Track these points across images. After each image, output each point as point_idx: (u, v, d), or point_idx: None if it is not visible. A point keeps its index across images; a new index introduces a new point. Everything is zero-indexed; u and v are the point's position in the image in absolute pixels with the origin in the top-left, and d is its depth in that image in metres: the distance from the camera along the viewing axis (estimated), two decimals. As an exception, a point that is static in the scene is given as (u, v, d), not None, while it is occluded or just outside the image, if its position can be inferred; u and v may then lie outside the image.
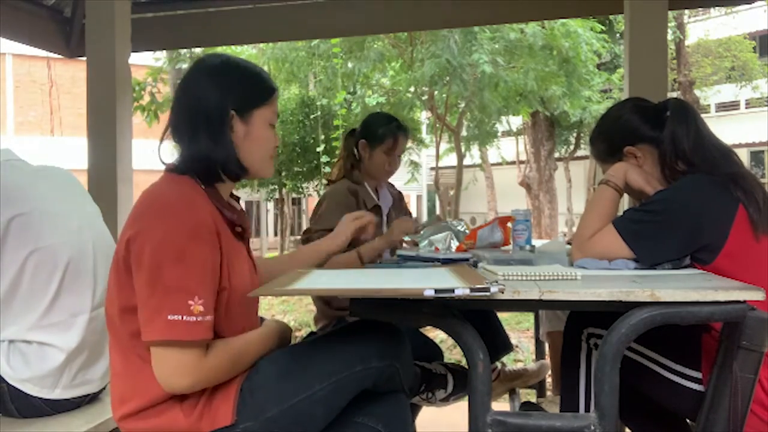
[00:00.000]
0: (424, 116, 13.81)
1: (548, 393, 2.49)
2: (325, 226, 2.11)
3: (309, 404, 1.24)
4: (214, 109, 1.31)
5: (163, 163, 1.38)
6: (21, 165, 1.69)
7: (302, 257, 1.69)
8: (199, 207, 1.27)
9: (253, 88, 1.38)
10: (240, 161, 1.35)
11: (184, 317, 1.17)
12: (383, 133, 2.35)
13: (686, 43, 12.46)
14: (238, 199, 1.48)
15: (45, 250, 1.56)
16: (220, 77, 1.34)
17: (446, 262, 1.62)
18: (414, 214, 2.30)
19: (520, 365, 2.50)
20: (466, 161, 13.49)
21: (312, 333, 1.67)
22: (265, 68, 11.07)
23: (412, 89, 9.78)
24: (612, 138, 1.71)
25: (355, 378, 1.27)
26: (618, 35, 10.74)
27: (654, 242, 1.46)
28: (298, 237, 17.35)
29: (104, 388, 1.73)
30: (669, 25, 5.69)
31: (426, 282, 1.20)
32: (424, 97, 9.89)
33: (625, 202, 2.36)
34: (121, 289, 1.26)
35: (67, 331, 1.59)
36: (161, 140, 1.40)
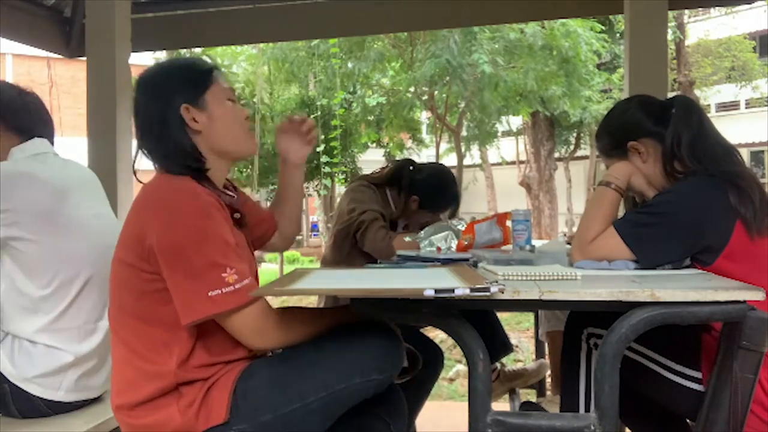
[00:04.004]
0: (424, 116, 13.81)
1: (548, 393, 2.49)
2: (372, 207, 2.14)
3: (303, 414, 1.25)
4: (159, 117, 1.36)
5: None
6: (61, 162, 1.77)
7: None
8: (201, 192, 1.30)
9: (191, 77, 1.40)
10: (197, 149, 1.38)
11: (223, 290, 1.23)
12: (441, 206, 2.29)
13: (686, 43, 12.46)
14: (235, 188, 1.50)
15: (71, 260, 1.60)
16: (157, 84, 1.39)
17: (446, 262, 1.62)
18: None
19: (520, 365, 2.51)
20: (466, 161, 13.48)
21: None
22: (265, 68, 11.12)
23: (412, 89, 9.78)
24: (616, 132, 1.70)
25: (354, 390, 1.26)
26: (618, 35, 10.73)
27: (656, 245, 1.45)
28: (299, 237, 17.31)
29: (104, 392, 1.74)
30: (669, 25, 5.69)
31: (426, 282, 1.20)
32: (424, 97, 9.89)
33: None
34: (134, 278, 1.28)
35: (82, 338, 1.60)
36: (135, 157, 1.44)
